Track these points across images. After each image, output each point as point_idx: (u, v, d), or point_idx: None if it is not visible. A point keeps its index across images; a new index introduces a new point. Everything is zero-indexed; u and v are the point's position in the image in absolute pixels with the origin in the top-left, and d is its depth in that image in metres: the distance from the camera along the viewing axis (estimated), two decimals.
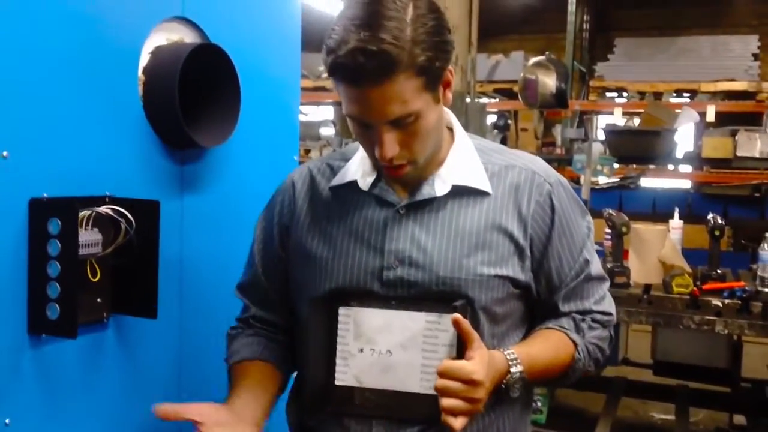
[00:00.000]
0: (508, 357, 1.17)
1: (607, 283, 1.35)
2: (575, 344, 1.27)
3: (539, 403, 3.61)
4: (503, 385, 1.17)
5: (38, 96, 1.15)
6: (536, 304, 1.30)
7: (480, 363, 1.09)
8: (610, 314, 1.33)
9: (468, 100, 4.15)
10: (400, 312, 1.20)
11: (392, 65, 1.06)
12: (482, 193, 1.24)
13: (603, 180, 4.80)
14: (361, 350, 1.21)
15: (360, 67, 1.06)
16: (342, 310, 1.23)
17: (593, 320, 1.30)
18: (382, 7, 1.08)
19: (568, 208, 1.28)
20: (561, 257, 1.27)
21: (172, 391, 1.46)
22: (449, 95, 1.20)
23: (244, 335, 1.38)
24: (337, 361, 1.22)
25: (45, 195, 1.16)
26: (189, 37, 1.47)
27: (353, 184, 1.28)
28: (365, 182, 1.26)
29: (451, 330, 1.14)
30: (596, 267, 1.32)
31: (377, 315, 1.21)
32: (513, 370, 1.17)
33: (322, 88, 8.83)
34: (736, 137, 4.02)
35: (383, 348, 1.20)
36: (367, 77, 1.07)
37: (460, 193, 1.24)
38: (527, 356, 1.20)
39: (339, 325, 1.23)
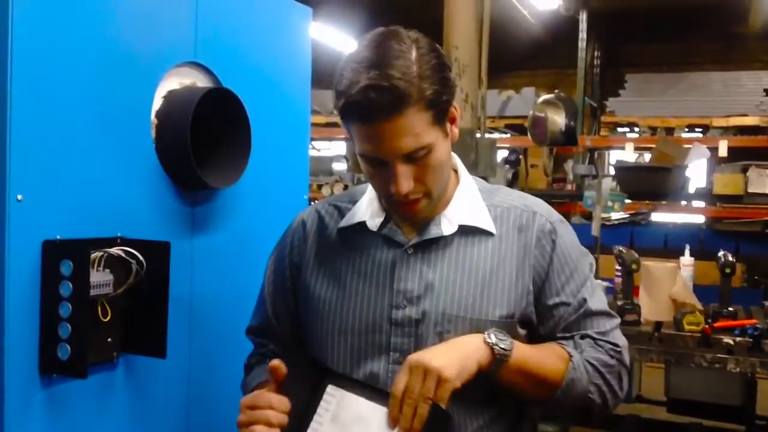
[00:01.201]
0: (485, 334, 1.19)
1: (616, 320, 1.34)
2: (570, 356, 1.26)
3: None
4: (490, 345, 1.17)
5: (52, 139, 1.19)
6: (538, 341, 1.30)
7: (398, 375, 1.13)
8: (616, 344, 1.30)
9: (478, 135, 4.18)
10: (383, 409, 1.15)
11: (403, 99, 1.11)
12: (487, 233, 1.27)
13: (615, 216, 4.79)
14: None
15: (372, 103, 1.10)
16: (330, 388, 1.19)
17: (594, 342, 1.28)
18: (388, 49, 1.14)
19: (568, 247, 1.31)
20: (559, 293, 1.28)
21: (180, 428, 1.47)
22: (456, 131, 1.25)
23: (263, 364, 1.37)
24: None
25: (58, 237, 1.19)
26: (201, 80, 1.51)
27: (361, 225, 1.30)
28: (374, 223, 1.29)
29: None
30: (598, 303, 1.31)
31: (362, 405, 1.17)
32: (491, 339, 1.17)
33: (335, 124, 8.90)
34: (747, 174, 4.01)
35: None
36: (380, 112, 1.11)
37: (466, 232, 1.27)
38: (516, 345, 1.20)
39: (321, 402, 1.18)
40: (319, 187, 7.50)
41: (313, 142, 9.27)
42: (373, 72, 1.11)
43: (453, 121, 1.23)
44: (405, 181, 1.16)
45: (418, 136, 1.14)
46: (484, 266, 1.25)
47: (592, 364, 1.26)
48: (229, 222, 1.57)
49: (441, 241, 1.26)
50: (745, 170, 4.10)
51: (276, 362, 1.19)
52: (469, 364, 1.15)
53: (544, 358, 1.24)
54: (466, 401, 1.21)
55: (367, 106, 1.11)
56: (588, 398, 1.26)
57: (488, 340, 1.18)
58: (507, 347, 1.18)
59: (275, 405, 1.16)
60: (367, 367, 1.24)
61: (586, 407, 1.28)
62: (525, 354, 1.21)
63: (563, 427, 3.66)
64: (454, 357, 1.14)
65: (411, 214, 1.24)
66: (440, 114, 1.17)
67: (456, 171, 1.33)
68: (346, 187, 7.01)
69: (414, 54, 1.14)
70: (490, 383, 1.20)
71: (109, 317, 1.27)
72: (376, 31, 1.19)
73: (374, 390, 1.19)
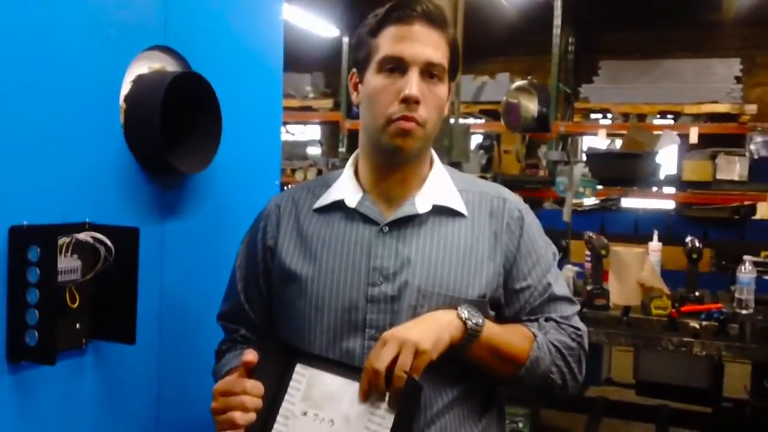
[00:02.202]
0: (458, 309, 1.23)
1: (577, 307, 1.39)
2: (535, 336, 1.30)
3: (521, 424, 3.63)
4: (463, 319, 1.21)
5: (18, 124, 1.17)
6: (503, 322, 1.33)
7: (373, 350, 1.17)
8: (578, 329, 1.35)
9: (452, 121, 4.19)
10: (356, 385, 1.16)
11: (442, 21, 1.28)
12: (460, 215, 1.31)
13: (587, 202, 4.85)
14: (305, 413, 1.17)
15: (420, 7, 1.25)
16: (299, 368, 1.20)
17: (558, 325, 1.33)
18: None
19: (534, 234, 1.36)
20: (526, 277, 1.33)
21: (151, 416, 1.47)
22: (446, 109, 1.33)
23: (234, 349, 1.39)
24: (278, 418, 1.18)
25: (25, 222, 1.17)
26: (171, 65, 1.50)
27: (337, 205, 1.33)
28: (353, 200, 1.31)
29: (396, 411, 1.14)
30: (561, 289, 1.37)
31: (332, 381, 1.18)
32: (464, 314, 1.21)
33: (309, 108, 8.88)
34: (716, 160, 4.08)
35: (327, 416, 1.16)
36: (423, 17, 1.25)
37: (440, 213, 1.31)
38: (486, 322, 1.24)
39: (291, 382, 1.19)
40: (293, 171, 7.48)
41: (287, 126, 9.23)
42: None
43: (448, 96, 1.33)
44: (418, 87, 1.23)
45: (441, 56, 1.27)
46: (458, 246, 1.29)
47: (555, 346, 1.31)
48: (200, 207, 1.56)
49: (416, 219, 1.29)
50: (713, 157, 4.17)
51: (249, 357, 1.19)
52: (443, 337, 1.18)
53: (511, 336, 1.28)
54: (434, 378, 1.23)
55: (414, 7, 1.25)
56: (549, 378, 1.30)
57: (461, 315, 1.21)
58: (479, 323, 1.22)
59: (249, 390, 1.17)
60: (343, 345, 1.26)
61: (547, 387, 1.32)
62: (493, 331, 1.25)
63: (533, 410, 3.71)
64: (429, 329, 1.17)
65: (405, 133, 1.25)
66: (452, 66, 1.30)
67: (431, 159, 1.37)
68: (320, 172, 7.00)
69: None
70: (458, 360, 1.23)
71: (77, 303, 1.26)
72: None
73: (344, 366, 1.20)
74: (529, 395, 1.31)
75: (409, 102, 1.23)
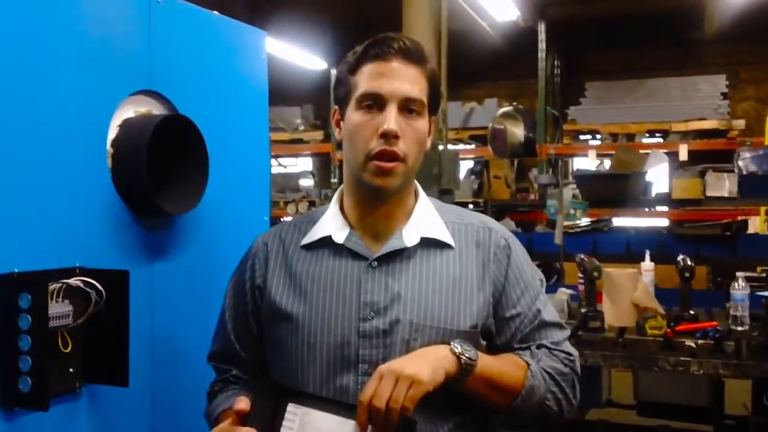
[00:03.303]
0: (451, 344, 1.22)
1: (567, 332, 1.40)
2: (528, 365, 1.30)
3: None
4: (456, 354, 1.20)
5: (7, 171, 1.19)
6: (495, 352, 1.33)
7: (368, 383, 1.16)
8: (570, 354, 1.36)
9: (441, 147, 4.22)
10: (350, 422, 1.16)
11: (419, 56, 1.29)
12: (447, 246, 1.32)
13: (579, 223, 4.86)
14: None
15: (397, 44, 1.27)
16: (291, 407, 1.19)
17: (549, 351, 1.34)
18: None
19: (521, 262, 1.37)
20: (515, 305, 1.33)
21: None
22: (429, 143, 1.34)
23: (226, 390, 1.39)
24: None
25: (15, 270, 1.18)
26: (157, 108, 1.52)
27: (325, 241, 1.33)
28: (340, 236, 1.32)
29: None
30: (550, 315, 1.37)
31: (325, 420, 1.17)
32: (458, 349, 1.21)
33: (300, 140, 8.93)
34: (705, 178, 4.11)
35: None
36: (400, 54, 1.27)
37: (427, 245, 1.32)
38: (480, 354, 1.24)
39: (284, 422, 1.18)
40: (285, 203, 7.49)
41: (279, 159, 9.26)
42: (399, 34, 1.31)
43: (430, 131, 1.34)
44: (396, 123, 1.25)
45: (420, 92, 1.28)
46: (447, 277, 1.30)
47: (548, 373, 1.31)
48: (188, 247, 1.57)
49: (404, 253, 1.30)
50: (702, 174, 4.19)
51: (241, 405, 1.18)
52: (438, 372, 1.18)
53: (505, 366, 1.28)
54: (429, 410, 1.23)
55: (391, 44, 1.27)
56: (545, 405, 1.31)
57: (455, 350, 1.21)
58: (473, 357, 1.22)
59: None
60: (337, 381, 1.25)
61: (543, 414, 1.32)
62: (488, 363, 1.25)
63: None
64: (425, 363, 1.18)
65: (385, 173, 1.26)
66: (432, 100, 1.31)
67: (415, 190, 1.38)
68: (312, 203, 7.01)
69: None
70: (453, 392, 1.23)
71: (69, 348, 1.26)
72: None
73: (336, 403, 1.20)
74: (526, 422, 1.30)
75: (388, 137, 1.24)
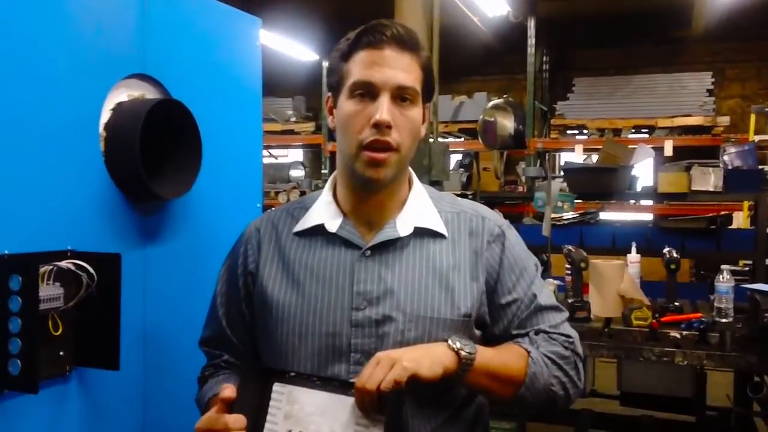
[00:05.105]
0: (448, 341, 1.21)
1: (565, 314, 1.39)
2: (528, 352, 1.30)
3: None
4: (455, 350, 1.19)
5: None
6: (493, 341, 1.34)
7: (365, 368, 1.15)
8: (569, 336, 1.35)
9: (431, 140, 4.23)
10: (337, 396, 1.16)
11: (412, 43, 1.27)
12: (440, 236, 1.32)
13: (566, 216, 4.89)
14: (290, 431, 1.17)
15: (390, 31, 1.25)
16: (277, 386, 1.19)
17: (548, 336, 1.33)
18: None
19: (516, 248, 1.37)
20: (511, 291, 1.33)
21: None
22: (423, 130, 1.33)
23: (216, 375, 1.38)
24: None
25: (6, 252, 1.18)
26: (150, 92, 1.52)
27: (318, 229, 1.32)
28: (333, 225, 1.31)
29: (383, 422, 1.14)
30: (547, 298, 1.37)
31: (312, 396, 1.17)
32: (456, 345, 1.20)
33: (291, 131, 8.93)
34: (691, 172, 4.14)
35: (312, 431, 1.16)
36: (393, 41, 1.25)
37: (420, 235, 1.31)
38: (478, 348, 1.23)
39: (271, 402, 1.18)
40: (276, 194, 7.48)
41: (270, 150, 9.25)
42: (392, 21, 1.28)
43: (424, 118, 1.33)
44: (389, 112, 1.23)
45: (413, 80, 1.26)
46: (440, 267, 1.29)
47: (549, 358, 1.31)
48: (181, 232, 1.57)
49: (398, 243, 1.30)
50: (688, 168, 4.22)
51: (227, 393, 1.17)
52: (437, 366, 1.17)
53: (505, 356, 1.27)
54: (422, 404, 1.24)
55: (384, 32, 1.24)
56: (551, 391, 1.30)
57: (453, 346, 1.20)
58: (471, 351, 1.21)
59: (231, 425, 1.15)
60: (328, 370, 1.25)
61: (550, 401, 1.31)
62: (487, 356, 1.24)
63: (520, 424, 3.72)
64: (423, 356, 1.16)
65: (377, 163, 1.25)
66: (426, 88, 1.29)
67: (409, 179, 1.37)
68: (303, 194, 7.01)
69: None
70: (444, 387, 1.23)
71: (60, 331, 1.26)
72: None
73: (320, 379, 1.20)
74: (535, 411, 1.28)
75: (380, 127, 1.22)
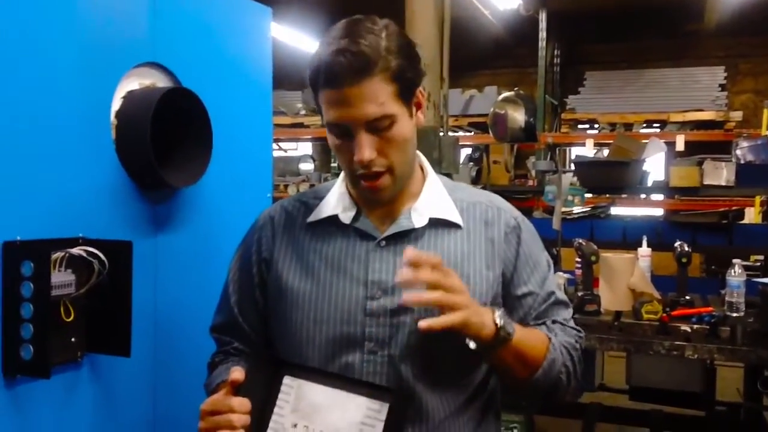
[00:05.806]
0: (495, 314, 1.21)
1: (571, 310, 1.42)
2: (549, 338, 1.31)
3: (516, 431, 3.63)
4: (497, 325, 1.19)
5: (11, 141, 1.19)
6: None
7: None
8: (580, 330, 1.38)
9: (441, 133, 4.23)
10: (345, 393, 1.17)
11: (369, 65, 1.16)
12: (456, 226, 1.32)
13: (576, 210, 4.88)
14: (295, 425, 1.17)
15: (341, 66, 1.16)
16: (287, 379, 1.19)
17: (564, 327, 1.35)
18: (359, 27, 1.20)
19: (531, 241, 1.37)
20: (526, 283, 1.34)
21: (146, 427, 1.48)
22: (421, 117, 1.29)
23: (226, 362, 1.38)
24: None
25: (18, 238, 1.19)
26: (161, 81, 1.52)
27: (332, 219, 1.32)
28: (347, 216, 1.31)
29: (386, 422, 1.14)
30: (561, 294, 1.39)
31: (321, 392, 1.18)
32: (500, 321, 1.19)
33: (300, 125, 8.93)
34: (703, 166, 4.11)
35: (317, 428, 1.16)
36: (346, 76, 1.16)
37: (436, 225, 1.31)
38: (516, 326, 1.23)
39: (280, 395, 1.19)
40: (286, 187, 7.51)
41: (280, 143, 9.26)
42: (343, 41, 1.17)
43: (419, 106, 1.28)
44: (368, 150, 1.19)
45: (382, 105, 1.18)
46: (455, 256, 1.29)
47: (565, 347, 1.32)
48: (192, 220, 1.58)
49: (412, 234, 1.29)
50: (700, 163, 4.20)
51: (236, 375, 1.18)
52: (476, 325, 1.17)
53: (532, 339, 1.28)
54: (437, 388, 1.25)
55: (336, 68, 1.16)
56: (559, 379, 1.31)
57: (496, 321, 1.19)
58: (510, 331, 1.20)
59: (236, 408, 1.16)
60: (342, 359, 1.25)
61: (555, 388, 1.32)
62: (520, 335, 1.23)
63: (527, 416, 3.72)
64: (480, 314, 1.17)
65: (373, 191, 1.25)
66: (405, 90, 1.22)
67: (422, 168, 1.37)
68: (312, 186, 7.02)
69: (384, 32, 1.21)
70: (460, 372, 1.25)
71: (72, 317, 1.27)
72: (351, 17, 1.25)
73: (332, 375, 1.20)
74: (537, 398, 1.28)
75: (363, 166, 1.21)
